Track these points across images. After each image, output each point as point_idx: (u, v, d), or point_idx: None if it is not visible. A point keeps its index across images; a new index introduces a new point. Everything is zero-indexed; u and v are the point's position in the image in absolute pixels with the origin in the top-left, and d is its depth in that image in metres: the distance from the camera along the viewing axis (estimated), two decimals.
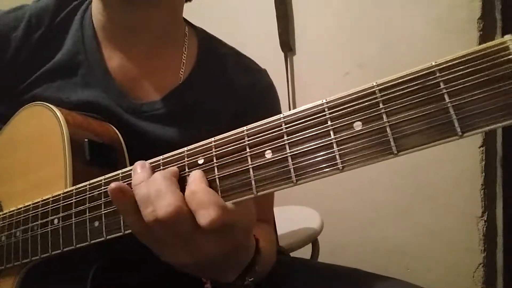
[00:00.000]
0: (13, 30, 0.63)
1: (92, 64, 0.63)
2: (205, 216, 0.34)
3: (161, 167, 0.39)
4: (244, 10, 1.65)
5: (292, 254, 0.85)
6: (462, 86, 0.27)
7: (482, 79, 0.26)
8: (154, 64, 0.66)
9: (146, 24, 0.63)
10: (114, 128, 0.59)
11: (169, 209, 0.34)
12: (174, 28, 0.69)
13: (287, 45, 1.54)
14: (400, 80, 0.29)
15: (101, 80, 0.63)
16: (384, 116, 0.29)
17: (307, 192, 1.47)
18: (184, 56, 0.68)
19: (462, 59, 0.27)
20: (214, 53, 0.72)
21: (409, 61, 1.32)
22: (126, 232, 0.40)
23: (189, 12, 0.73)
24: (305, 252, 1.17)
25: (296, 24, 1.55)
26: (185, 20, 0.73)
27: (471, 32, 1.23)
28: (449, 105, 0.27)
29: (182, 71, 0.67)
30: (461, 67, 0.27)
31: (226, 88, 0.69)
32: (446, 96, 0.27)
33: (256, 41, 1.58)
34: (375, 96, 0.30)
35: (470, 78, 0.26)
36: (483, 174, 1.28)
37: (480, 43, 1.21)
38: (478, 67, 0.26)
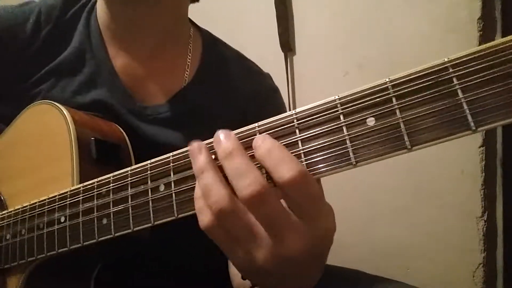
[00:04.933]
0: (22, 26, 0.63)
1: (98, 62, 0.63)
2: (286, 169, 0.30)
3: (171, 164, 0.39)
4: (244, 10, 1.64)
5: None
6: (475, 81, 0.27)
7: (495, 75, 0.26)
8: (158, 64, 0.66)
9: (148, 22, 0.63)
10: (119, 127, 0.59)
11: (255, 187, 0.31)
12: (177, 27, 0.68)
13: (287, 45, 1.54)
14: (413, 76, 0.29)
15: (108, 79, 0.63)
16: (398, 112, 0.29)
17: None
18: (189, 58, 0.68)
19: (475, 55, 0.27)
20: (218, 56, 0.71)
21: (409, 61, 1.33)
22: (135, 229, 0.40)
23: (190, 12, 0.72)
24: None
25: (296, 24, 1.55)
26: (190, 21, 0.73)
27: (471, 32, 1.23)
28: (462, 100, 0.27)
29: (186, 73, 0.67)
30: (474, 63, 0.27)
31: (229, 91, 0.69)
32: (459, 92, 0.27)
33: (256, 41, 1.57)
34: (387, 92, 0.30)
35: (483, 73, 0.27)
36: (483, 174, 1.28)
37: (480, 43, 1.21)
38: (491, 62, 0.27)
